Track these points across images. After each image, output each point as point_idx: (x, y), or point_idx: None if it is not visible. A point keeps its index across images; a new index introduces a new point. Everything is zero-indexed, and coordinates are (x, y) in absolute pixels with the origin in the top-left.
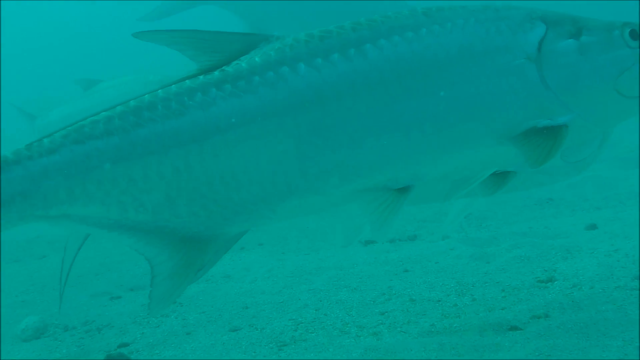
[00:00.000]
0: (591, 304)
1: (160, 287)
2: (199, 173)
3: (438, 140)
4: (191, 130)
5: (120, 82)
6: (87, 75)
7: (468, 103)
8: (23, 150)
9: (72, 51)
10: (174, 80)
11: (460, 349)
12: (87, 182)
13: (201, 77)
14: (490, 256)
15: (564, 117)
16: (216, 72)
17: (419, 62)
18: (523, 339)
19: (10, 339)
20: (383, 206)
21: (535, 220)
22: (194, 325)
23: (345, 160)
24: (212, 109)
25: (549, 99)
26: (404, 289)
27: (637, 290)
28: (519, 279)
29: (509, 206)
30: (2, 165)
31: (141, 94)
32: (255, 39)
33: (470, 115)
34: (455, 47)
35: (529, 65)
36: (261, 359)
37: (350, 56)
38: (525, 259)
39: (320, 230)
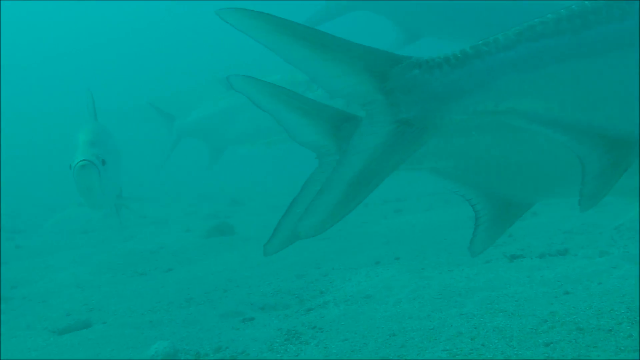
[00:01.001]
0: None
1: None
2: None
3: None
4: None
5: None
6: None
7: None
8: (481, 46)
9: (212, 49)
10: None
11: None
12: (537, 78)
13: None
14: None
15: None
16: None
17: None
18: None
19: None
20: None
21: None
22: (336, 355)
23: None
24: None
25: None
26: (567, 314)
27: None
28: None
29: None
30: (463, 59)
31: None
32: None
33: None
34: None
35: None
36: None
37: None
38: None
39: (459, 243)
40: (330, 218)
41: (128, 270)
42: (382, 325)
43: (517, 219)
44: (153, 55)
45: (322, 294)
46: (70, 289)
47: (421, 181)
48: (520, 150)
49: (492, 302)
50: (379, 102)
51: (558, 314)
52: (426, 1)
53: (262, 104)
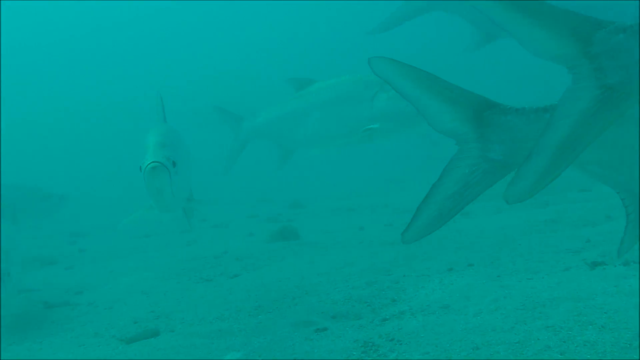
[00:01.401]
0: None
1: None
2: None
3: None
4: None
5: (337, 83)
6: (298, 75)
7: None
8: None
9: (281, 51)
10: None
11: None
12: None
13: None
14: None
15: None
16: None
17: None
18: None
19: None
20: None
21: None
22: None
23: None
24: None
25: None
26: None
27: None
28: None
29: None
30: None
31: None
32: None
33: None
34: None
35: None
36: None
37: None
38: None
39: (534, 249)
40: (539, 182)
41: (193, 276)
42: (464, 338)
43: None
44: (221, 56)
45: (394, 302)
46: (136, 295)
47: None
48: None
49: (580, 313)
50: (584, 66)
51: None
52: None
53: (403, 88)
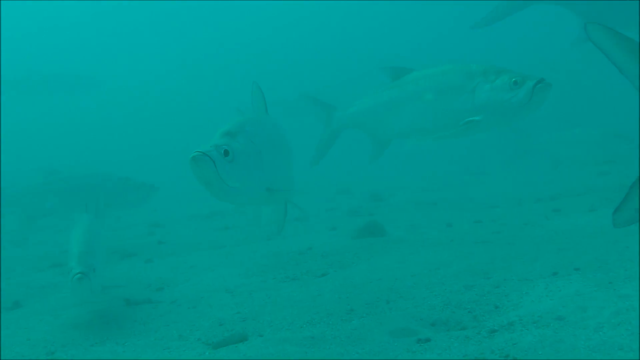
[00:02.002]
0: None
1: None
2: None
3: None
4: None
5: (436, 72)
6: (394, 63)
7: None
8: None
9: (374, 40)
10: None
11: None
12: None
13: None
14: None
15: None
16: None
17: None
18: None
19: None
20: None
21: None
22: None
23: None
24: None
25: None
26: None
27: None
28: None
29: None
30: None
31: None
32: None
33: None
34: None
35: None
36: None
37: None
38: None
39: None
40: None
41: (278, 274)
42: (589, 358)
43: None
44: (315, 46)
45: (497, 309)
46: (220, 293)
47: (574, 175)
48: None
49: None
50: None
51: None
52: None
53: (616, 58)
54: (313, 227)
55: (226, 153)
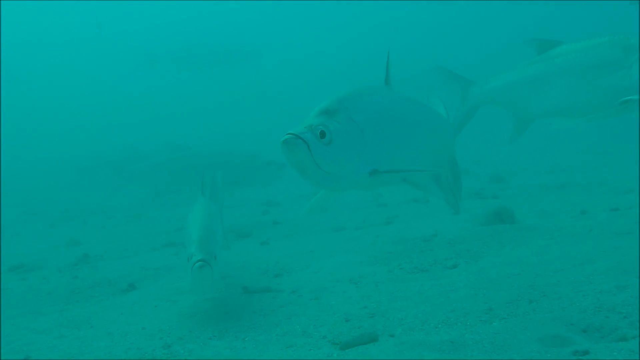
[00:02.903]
0: None
1: None
2: None
3: None
4: None
5: (589, 46)
6: (542, 36)
7: None
8: None
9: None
10: None
11: None
12: None
13: None
14: None
15: None
16: None
17: None
18: None
19: None
20: None
21: None
22: None
23: None
24: None
25: None
26: None
27: None
28: None
29: None
30: None
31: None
32: None
33: None
34: None
35: None
36: None
37: None
38: None
39: None
40: None
41: (404, 262)
42: None
43: None
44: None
45: None
46: (343, 283)
47: None
48: None
49: None
50: None
51: None
52: None
53: None
54: (435, 210)
55: (322, 135)
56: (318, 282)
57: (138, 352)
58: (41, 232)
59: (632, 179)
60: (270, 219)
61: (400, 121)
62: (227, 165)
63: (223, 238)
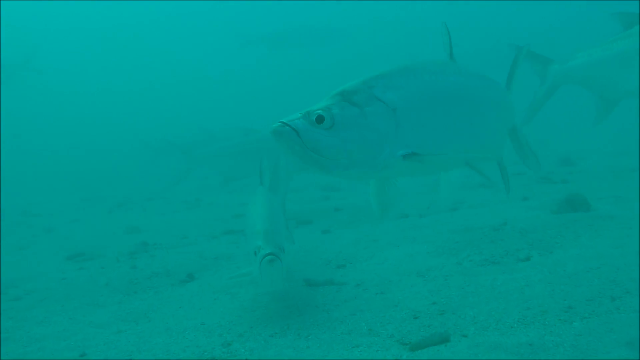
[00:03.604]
0: None
1: None
2: None
3: None
4: None
5: None
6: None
7: None
8: None
9: None
10: None
11: None
12: None
13: None
14: None
15: None
16: None
17: None
18: None
19: None
20: None
21: None
22: None
23: None
24: None
25: None
26: None
27: None
28: None
29: None
30: None
31: None
32: None
33: None
34: None
35: None
36: None
37: None
38: None
39: None
40: None
41: (473, 253)
42: None
43: None
44: None
45: None
46: (410, 277)
47: None
48: None
49: None
50: None
51: None
52: None
53: None
54: (502, 196)
55: (320, 119)
56: (383, 274)
57: (197, 350)
58: (99, 218)
59: None
60: (331, 205)
61: (454, 99)
62: None
63: (286, 229)
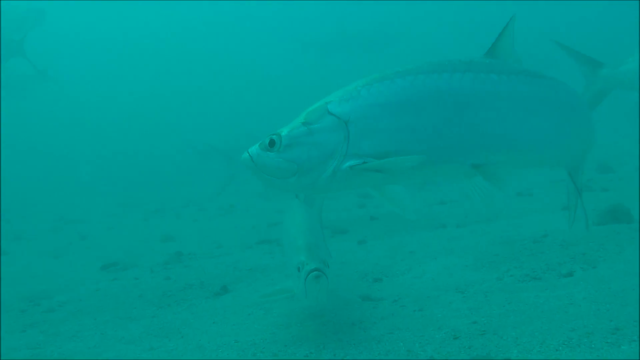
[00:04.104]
0: None
1: None
2: None
3: None
4: None
5: None
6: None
7: None
8: None
9: None
10: None
11: None
12: None
13: None
14: None
15: None
16: None
17: None
18: None
19: None
20: None
21: None
22: None
23: None
24: None
25: None
26: None
27: None
28: None
29: None
30: None
31: None
32: None
33: None
34: None
35: None
36: None
37: None
38: None
39: None
40: None
41: (513, 268)
42: None
43: None
44: None
45: None
46: (449, 292)
47: None
48: None
49: None
50: None
51: None
52: None
53: None
54: (540, 205)
55: (271, 143)
56: (421, 289)
57: None
58: (135, 225)
59: None
60: (366, 213)
61: (420, 103)
62: None
63: (325, 241)
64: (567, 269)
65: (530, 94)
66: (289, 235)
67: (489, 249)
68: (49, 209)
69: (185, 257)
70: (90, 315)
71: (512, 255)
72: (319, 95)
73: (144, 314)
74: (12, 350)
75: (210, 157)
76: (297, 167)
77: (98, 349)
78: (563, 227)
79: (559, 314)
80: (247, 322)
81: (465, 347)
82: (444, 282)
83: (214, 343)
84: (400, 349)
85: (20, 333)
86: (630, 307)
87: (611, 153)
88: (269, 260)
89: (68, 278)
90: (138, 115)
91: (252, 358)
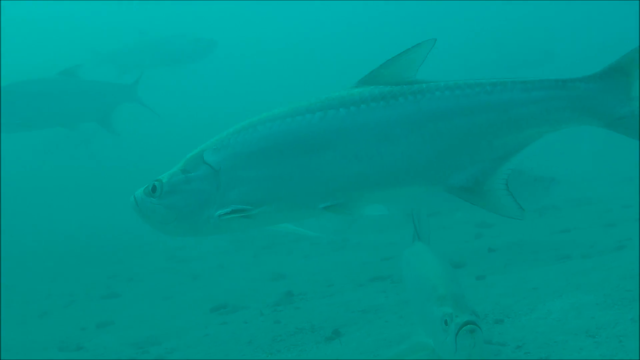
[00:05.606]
0: None
1: None
2: None
3: None
4: None
5: None
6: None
7: None
8: None
9: None
10: None
11: None
12: None
13: None
14: None
15: None
16: None
17: None
18: None
19: None
20: None
21: None
22: None
23: None
24: None
25: None
26: None
27: None
28: None
29: None
30: None
31: None
32: None
33: None
34: None
35: None
36: None
37: None
38: None
39: None
40: None
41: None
42: None
43: None
44: None
45: None
46: (578, 337)
47: None
48: None
49: None
50: None
51: None
52: None
53: None
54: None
55: (154, 189)
56: (546, 333)
57: None
58: (246, 262)
59: None
60: (484, 244)
61: (279, 148)
62: None
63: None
64: None
65: (380, 120)
66: (421, 282)
67: (620, 284)
68: (159, 247)
69: (296, 297)
70: None
71: (624, 294)
72: None
73: None
74: None
75: None
76: (176, 213)
77: None
78: None
79: None
80: None
81: None
82: (572, 324)
83: None
84: None
85: None
86: None
87: None
88: (383, 299)
89: (177, 322)
90: None
91: None
